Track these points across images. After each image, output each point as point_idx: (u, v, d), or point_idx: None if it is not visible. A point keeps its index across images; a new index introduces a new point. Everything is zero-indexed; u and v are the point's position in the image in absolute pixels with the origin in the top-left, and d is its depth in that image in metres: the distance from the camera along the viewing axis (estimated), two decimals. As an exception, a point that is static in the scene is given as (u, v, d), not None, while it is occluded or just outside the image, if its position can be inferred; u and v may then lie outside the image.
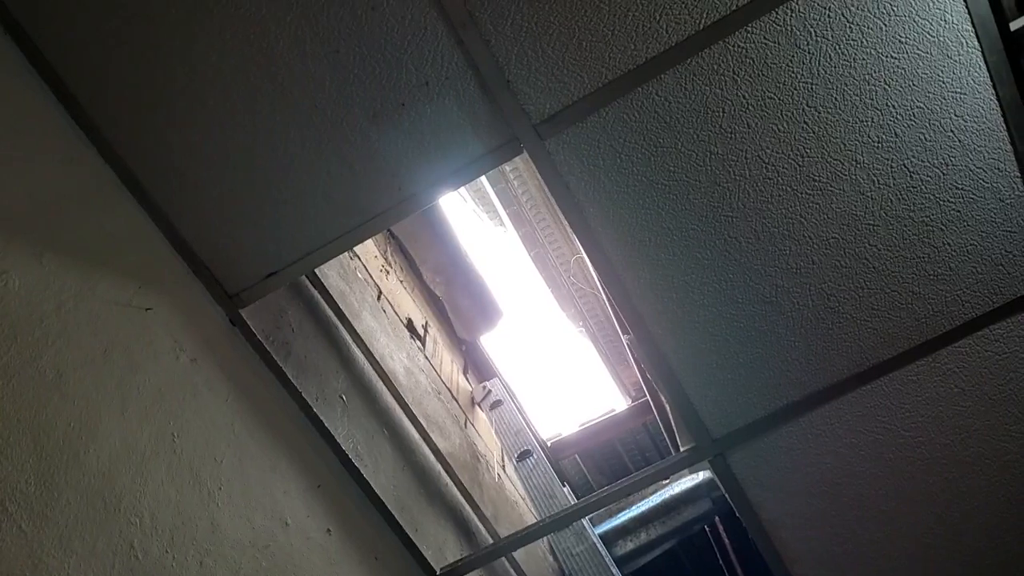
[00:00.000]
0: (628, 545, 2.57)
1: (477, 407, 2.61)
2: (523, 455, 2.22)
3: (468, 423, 2.49)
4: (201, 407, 1.23)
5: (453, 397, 2.48)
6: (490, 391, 2.61)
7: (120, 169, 1.34)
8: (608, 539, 2.57)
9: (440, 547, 1.79)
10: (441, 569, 1.68)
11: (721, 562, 2.44)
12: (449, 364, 2.62)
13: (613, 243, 1.41)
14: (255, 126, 1.34)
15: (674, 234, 1.40)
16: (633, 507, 2.64)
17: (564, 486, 2.78)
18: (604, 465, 3.23)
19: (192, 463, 1.14)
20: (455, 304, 2.59)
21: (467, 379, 2.73)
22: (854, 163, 1.36)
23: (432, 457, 1.99)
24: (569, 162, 1.36)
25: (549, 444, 3.10)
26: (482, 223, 2.66)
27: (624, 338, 1.54)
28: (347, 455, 1.55)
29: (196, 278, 1.40)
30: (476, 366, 2.88)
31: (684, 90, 1.32)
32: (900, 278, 1.43)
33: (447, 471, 2.02)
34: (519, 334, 3.05)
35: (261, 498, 1.26)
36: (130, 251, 1.28)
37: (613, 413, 3.00)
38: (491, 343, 2.93)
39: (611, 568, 1.67)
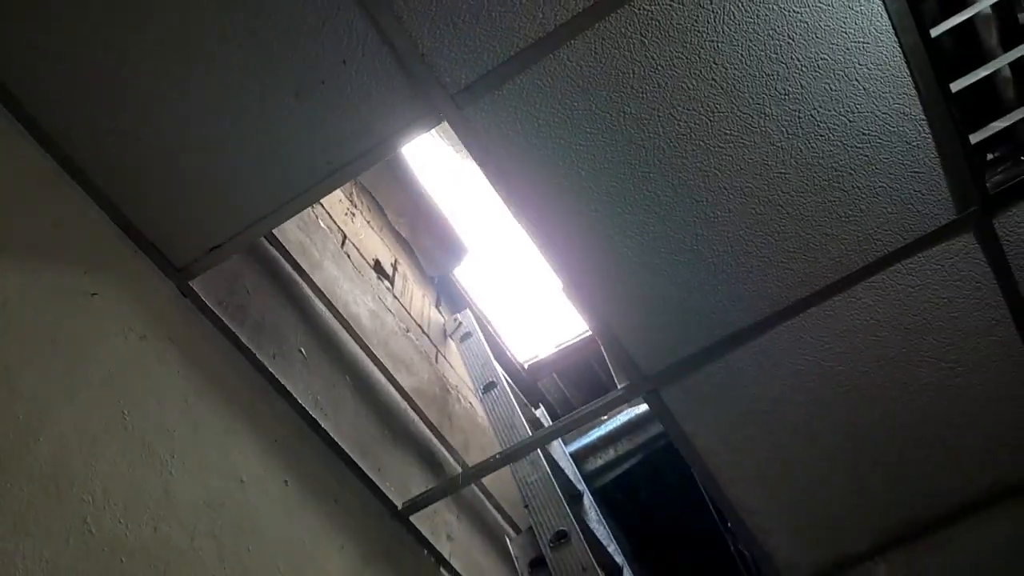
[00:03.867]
0: (598, 462, 2.72)
1: (449, 339, 2.72)
2: (488, 387, 2.34)
3: (439, 356, 2.61)
4: (152, 382, 1.32)
5: (424, 332, 2.59)
6: (460, 323, 2.71)
7: (60, 157, 1.40)
8: (579, 456, 2.72)
9: (405, 482, 1.92)
10: (403, 504, 1.81)
11: (680, 477, 2.58)
12: (420, 299, 2.72)
13: (538, 206, 1.47)
14: (188, 108, 1.39)
15: (595, 193, 1.46)
16: (602, 426, 2.78)
17: (538, 408, 2.91)
18: (581, 382, 3.37)
19: (144, 437, 1.25)
20: (420, 244, 2.67)
21: (440, 311, 2.83)
22: (763, 116, 1.41)
23: (398, 396, 2.11)
24: (489, 130, 1.41)
25: (527, 366, 3.23)
26: (449, 157, 2.71)
27: (560, 288, 1.62)
28: (304, 408, 1.66)
29: (144, 256, 1.47)
30: (450, 298, 2.97)
31: (595, 54, 1.35)
32: (813, 221, 1.50)
33: (414, 408, 2.14)
34: (493, 263, 3.12)
35: (216, 461, 1.37)
36: (75, 238, 1.35)
37: (586, 334, 3.11)
38: (465, 274, 3.02)
39: (563, 502, 1.80)
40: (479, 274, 3.10)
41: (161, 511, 1.21)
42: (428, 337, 2.59)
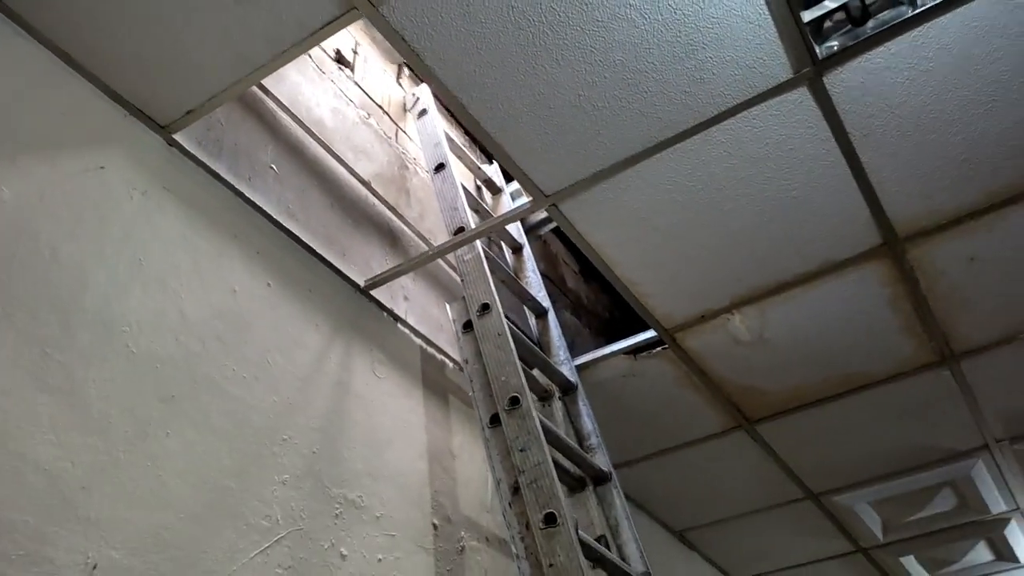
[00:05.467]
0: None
1: (409, 114, 3.07)
2: (438, 168, 2.74)
3: (399, 133, 2.98)
4: (156, 230, 1.77)
5: (384, 112, 2.93)
6: (418, 99, 3.03)
7: (55, 50, 1.71)
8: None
9: (367, 261, 2.42)
10: (365, 282, 2.33)
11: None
12: (381, 76, 3.01)
13: (454, 80, 1.80)
14: None
15: (494, 66, 1.78)
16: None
17: (492, 163, 3.33)
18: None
19: (159, 276, 1.73)
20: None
21: (401, 85, 3.13)
22: (628, 6, 1.69)
23: (359, 186, 2.54)
24: (407, 14, 1.70)
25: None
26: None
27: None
28: (278, 220, 2.11)
29: (135, 121, 1.84)
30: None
31: (484, -43, 1.61)
32: (674, 84, 1.83)
33: (373, 193, 2.57)
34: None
35: (213, 281, 1.86)
36: (77, 121, 1.71)
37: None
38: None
39: (490, 280, 2.30)
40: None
41: (179, 328, 1.72)
42: (388, 116, 2.94)
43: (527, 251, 3.01)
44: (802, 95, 1.87)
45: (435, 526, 2.25)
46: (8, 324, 1.41)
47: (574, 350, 3.21)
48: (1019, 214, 2.19)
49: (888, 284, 2.39)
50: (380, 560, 2.00)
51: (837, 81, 1.85)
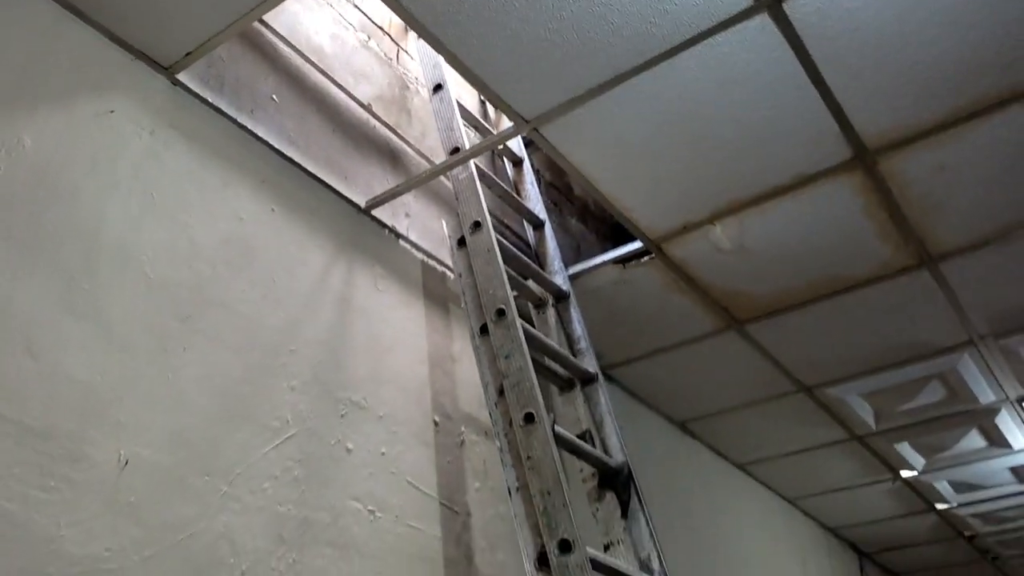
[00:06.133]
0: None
1: (410, 33, 3.16)
2: (436, 88, 2.86)
3: (400, 53, 3.08)
4: (165, 166, 1.96)
5: (385, 33, 3.02)
6: (418, 17, 3.12)
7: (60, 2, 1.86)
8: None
9: (368, 181, 2.59)
10: (366, 203, 2.51)
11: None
12: (382, -5, 3.09)
13: (430, 20, 1.92)
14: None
15: (464, 3, 1.89)
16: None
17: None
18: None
19: (169, 209, 1.92)
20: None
21: (401, 2, 3.21)
22: (587, -56, 1.78)
23: (359, 110, 2.68)
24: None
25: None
26: None
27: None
28: (280, 149, 2.28)
29: (141, 65, 2.00)
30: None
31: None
32: (639, 15, 1.93)
33: (374, 116, 2.72)
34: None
35: (220, 209, 2.05)
36: (87, 69, 1.88)
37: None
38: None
39: (482, 199, 2.46)
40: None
41: (190, 255, 1.93)
42: (389, 36, 3.04)
43: (527, 165, 3.14)
44: (764, 21, 1.96)
45: (436, 423, 2.50)
46: (37, 258, 1.63)
47: (580, 254, 3.39)
48: (986, 125, 2.27)
49: (861, 194, 2.50)
50: (383, 454, 2.26)
51: (797, 6, 1.93)
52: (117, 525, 1.59)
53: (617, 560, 2.10)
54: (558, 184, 3.74)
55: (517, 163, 3.16)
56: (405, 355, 2.47)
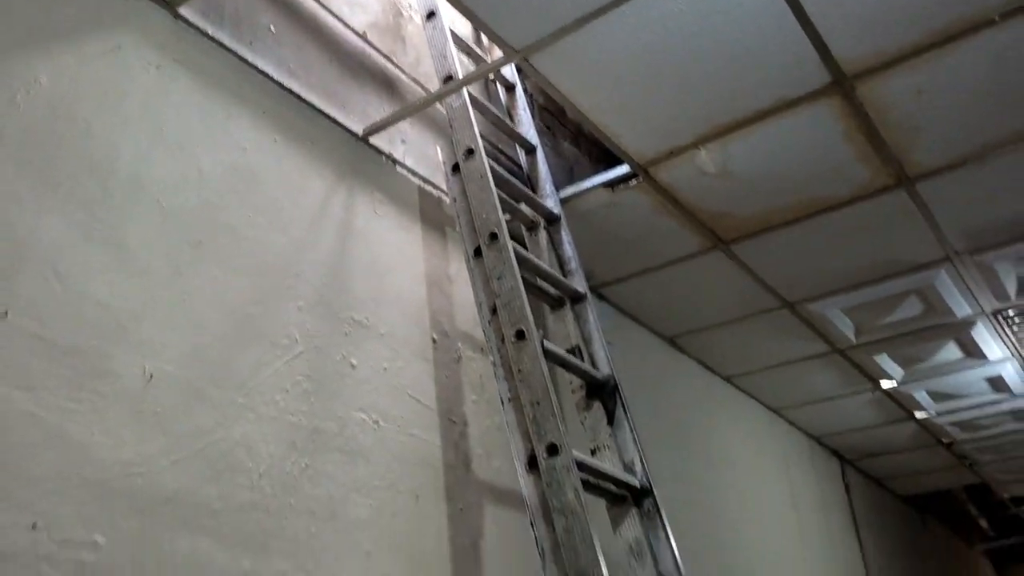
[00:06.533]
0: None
1: (402, -43, 3.19)
2: (429, 15, 2.92)
3: (393, -22, 3.12)
4: (172, 102, 2.05)
5: (378, -41, 3.06)
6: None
7: (62, -62, 1.93)
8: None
9: (365, 109, 2.68)
10: (363, 130, 2.61)
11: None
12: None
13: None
14: None
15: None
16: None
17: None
18: None
19: (177, 140, 2.03)
20: None
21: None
22: None
23: (355, 38, 2.74)
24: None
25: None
26: None
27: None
28: (279, 80, 2.37)
29: (144, 1, 2.07)
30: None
31: None
32: (622, -53, 2.00)
33: (369, 44, 2.78)
34: None
35: (225, 142, 2.15)
36: (94, 7, 1.96)
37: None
38: None
39: (475, 126, 2.56)
40: None
41: (201, 186, 2.04)
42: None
43: (519, 90, 3.22)
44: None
45: (434, 340, 2.66)
46: (56, 191, 1.75)
47: (574, 176, 3.50)
48: (962, 49, 2.35)
49: (841, 119, 2.60)
50: (385, 369, 2.42)
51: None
52: (144, 433, 1.75)
53: (602, 463, 2.28)
54: (551, 108, 3.81)
55: (510, 88, 3.24)
56: (404, 276, 2.61)
